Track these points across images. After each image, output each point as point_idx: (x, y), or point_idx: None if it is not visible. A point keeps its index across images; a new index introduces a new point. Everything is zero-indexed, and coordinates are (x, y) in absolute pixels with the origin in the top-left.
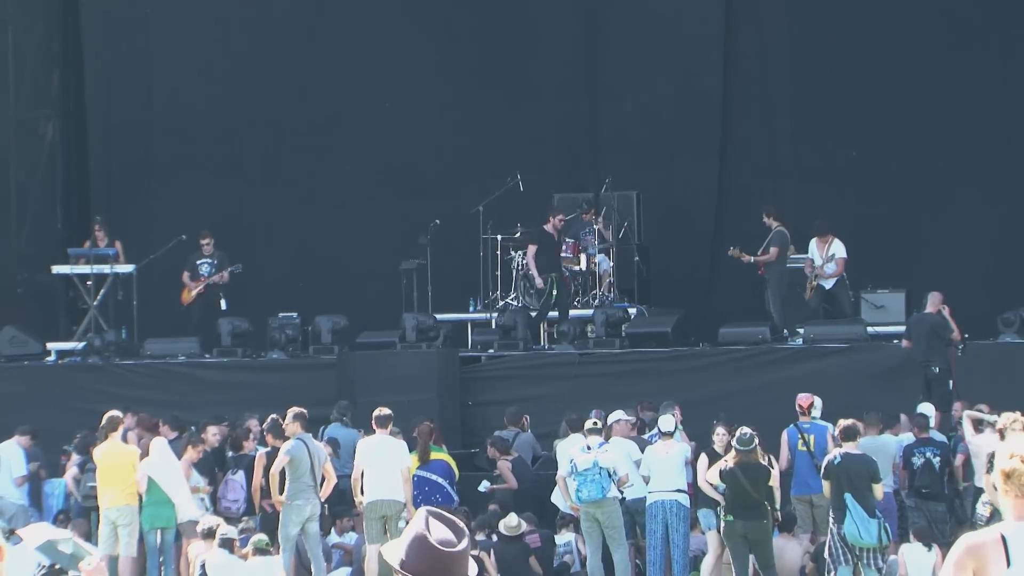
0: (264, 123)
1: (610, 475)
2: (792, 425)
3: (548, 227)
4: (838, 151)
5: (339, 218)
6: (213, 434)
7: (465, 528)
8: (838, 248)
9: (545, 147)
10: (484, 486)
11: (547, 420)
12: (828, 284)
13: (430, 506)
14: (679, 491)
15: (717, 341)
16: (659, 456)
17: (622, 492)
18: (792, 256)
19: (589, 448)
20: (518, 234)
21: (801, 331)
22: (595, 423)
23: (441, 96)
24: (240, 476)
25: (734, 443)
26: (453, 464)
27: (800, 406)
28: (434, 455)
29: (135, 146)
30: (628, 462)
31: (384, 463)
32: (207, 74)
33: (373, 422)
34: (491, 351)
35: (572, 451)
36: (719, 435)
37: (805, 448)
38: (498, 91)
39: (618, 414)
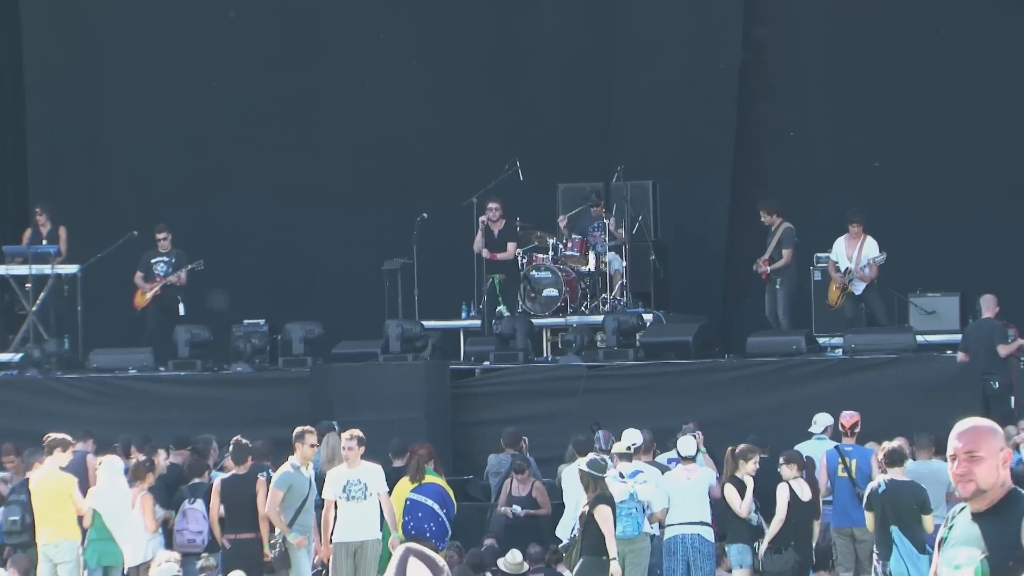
0: (226, 104)
1: (644, 509)
2: (833, 447)
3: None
4: (877, 138)
5: (313, 211)
6: (164, 459)
7: (446, 567)
8: (871, 248)
9: (548, 130)
10: (516, 510)
11: (550, 442)
12: (858, 289)
13: (419, 537)
14: (703, 523)
15: (745, 352)
16: (680, 483)
17: (652, 529)
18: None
19: (622, 476)
20: (518, 229)
21: (840, 340)
22: (628, 448)
23: (429, 73)
24: (200, 505)
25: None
26: (450, 490)
27: (842, 426)
28: (428, 478)
29: (80, 132)
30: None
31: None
32: (162, 53)
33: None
34: (486, 363)
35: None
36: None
37: (846, 474)
38: (494, 67)
39: (631, 434)
